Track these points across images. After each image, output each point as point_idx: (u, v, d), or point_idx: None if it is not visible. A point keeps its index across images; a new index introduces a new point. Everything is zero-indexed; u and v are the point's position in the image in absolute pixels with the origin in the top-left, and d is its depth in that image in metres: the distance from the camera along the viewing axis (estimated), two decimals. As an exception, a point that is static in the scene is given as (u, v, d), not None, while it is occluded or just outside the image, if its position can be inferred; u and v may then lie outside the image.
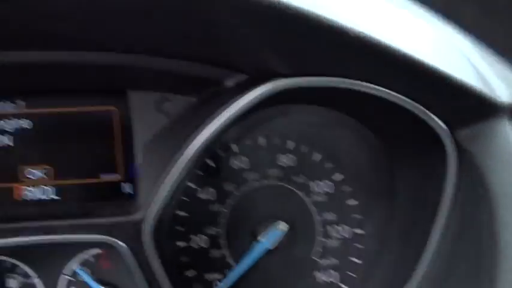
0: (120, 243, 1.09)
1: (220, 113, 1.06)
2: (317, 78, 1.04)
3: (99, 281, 1.16)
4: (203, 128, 1.06)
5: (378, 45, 0.92)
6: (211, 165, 1.22)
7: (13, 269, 1.15)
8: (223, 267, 1.22)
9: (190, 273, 1.21)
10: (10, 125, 1.16)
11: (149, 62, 1.08)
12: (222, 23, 0.93)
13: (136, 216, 1.09)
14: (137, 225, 1.09)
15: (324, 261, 1.24)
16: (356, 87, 1.04)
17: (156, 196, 1.08)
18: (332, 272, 1.25)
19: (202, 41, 1.02)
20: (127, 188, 1.19)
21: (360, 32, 0.90)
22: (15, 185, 1.16)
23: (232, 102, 1.05)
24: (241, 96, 1.05)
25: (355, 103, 1.13)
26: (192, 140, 1.06)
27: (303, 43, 0.96)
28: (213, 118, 1.06)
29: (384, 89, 1.04)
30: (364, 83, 1.04)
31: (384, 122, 1.18)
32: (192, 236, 1.21)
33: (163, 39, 1.03)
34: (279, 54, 1.03)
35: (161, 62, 1.09)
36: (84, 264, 1.17)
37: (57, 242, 1.09)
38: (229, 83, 1.12)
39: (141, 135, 1.18)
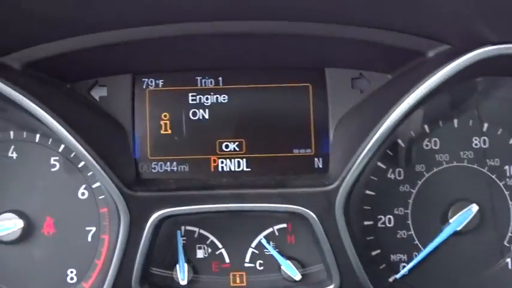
0: (312, 213, 1.10)
1: (422, 84, 1.04)
2: None
3: (283, 255, 1.18)
4: (401, 102, 1.05)
5: None
6: (402, 145, 1.21)
7: (202, 240, 1.20)
8: (409, 249, 1.20)
9: (376, 252, 1.21)
10: (208, 99, 1.21)
11: (352, 32, 1.08)
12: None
13: (328, 188, 1.10)
14: (329, 197, 1.10)
15: (516, 248, 1.21)
16: None
17: (350, 170, 1.08)
18: (525, 259, 1.21)
19: (410, 10, 1.00)
20: (319, 162, 1.21)
21: None
22: (212, 156, 1.21)
23: (436, 71, 1.03)
24: (446, 65, 1.03)
25: None
26: (388, 114, 1.06)
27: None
28: (413, 90, 1.05)
29: None
30: None
31: None
32: (379, 216, 1.21)
33: (372, 8, 1.02)
34: (490, 21, 0.99)
35: (364, 31, 1.08)
36: (269, 238, 1.20)
37: (249, 210, 1.12)
38: (431, 54, 1.10)
39: (335, 111, 1.19)
